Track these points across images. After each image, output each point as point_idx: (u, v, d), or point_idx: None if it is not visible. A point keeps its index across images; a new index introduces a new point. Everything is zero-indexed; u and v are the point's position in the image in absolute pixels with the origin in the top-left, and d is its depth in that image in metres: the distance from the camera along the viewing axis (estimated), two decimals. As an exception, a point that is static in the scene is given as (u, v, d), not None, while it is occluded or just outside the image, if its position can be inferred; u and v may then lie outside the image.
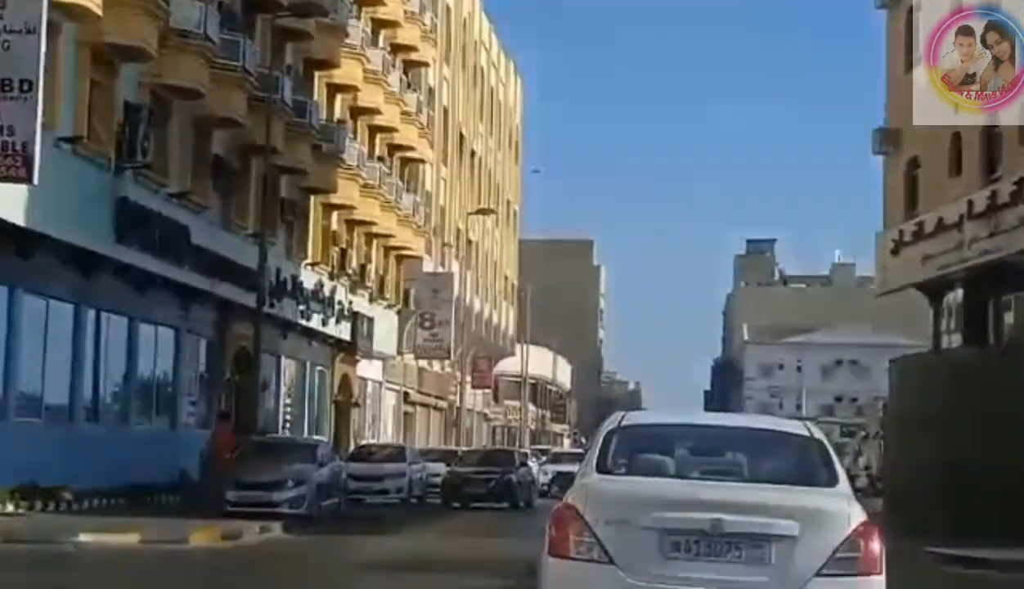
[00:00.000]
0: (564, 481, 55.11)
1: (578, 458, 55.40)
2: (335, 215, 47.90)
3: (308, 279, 44.87)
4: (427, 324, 59.62)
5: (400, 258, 57.39)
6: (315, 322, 45.75)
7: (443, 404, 72.15)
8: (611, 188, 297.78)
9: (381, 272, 54.35)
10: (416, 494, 39.94)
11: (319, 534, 26.01)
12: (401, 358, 62.61)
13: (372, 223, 50.51)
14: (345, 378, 51.73)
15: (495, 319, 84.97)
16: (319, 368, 49.02)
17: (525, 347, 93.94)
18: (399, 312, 58.38)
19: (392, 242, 54.56)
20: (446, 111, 67.25)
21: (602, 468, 9.60)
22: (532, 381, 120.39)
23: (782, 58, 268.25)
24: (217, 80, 33.81)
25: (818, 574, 8.67)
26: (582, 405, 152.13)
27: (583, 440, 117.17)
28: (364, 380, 55.45)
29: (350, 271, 48.73)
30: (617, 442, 9.86)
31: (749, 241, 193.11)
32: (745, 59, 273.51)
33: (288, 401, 45.74)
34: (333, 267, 47.42)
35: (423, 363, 68.66)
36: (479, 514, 34.51)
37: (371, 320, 52.06)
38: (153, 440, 34.01)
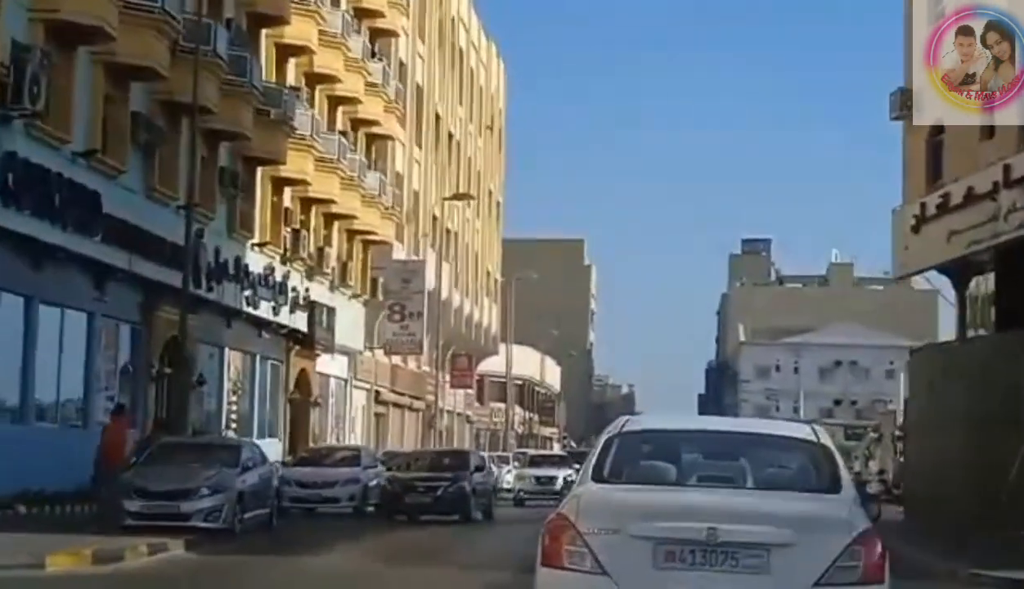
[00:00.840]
0: (544, 487, 50.32)
1: (560, 462, 51.01)
2: (287, 191, 43.10)
3: (255, 261, 40.11)
4: (397, 317, 54.72)
5: (366, 244, 52.55)
6: (264, 310, 41.01)
7: (420, 405, 67.22)
8: (601, 185, 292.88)
9: (343, 258, 49.53)
10: (373, 503, 35.11)
11: (228, 554, 21.40)
12: (372, 354, 57.92)
13: (330, 201, 45.67)
14: (303, 374, 46.95)
15: (476, 316, 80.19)
16: (271, 362, 44.22)
17: (509, 345, 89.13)
18: (366, 303, 53.60)
19: (355, 225, 49.71)
20: (420, 89, 62.46)
21: (598, 476, 9.46)
22: (519, 382, 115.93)
23: (782, 55, 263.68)
24: (129, 21, 29.02)
25: (817, 584, 8.48)
26: (573, 408, 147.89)
27: (573, 444, 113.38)
28: (326, 377, 50.67)
29: (305, 255, 43.91)
30: (616, 448, 9.72)
31: (744, 240, 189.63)
32: (744, 56, 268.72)
33: (234, 398, 40.97)
34: (286, 249, 42.66)
35: (397, 360, 63.91)
36: (425, 529, 29.46)
37: (332, 310, 47.29)
38: (59, 441, 29.16)
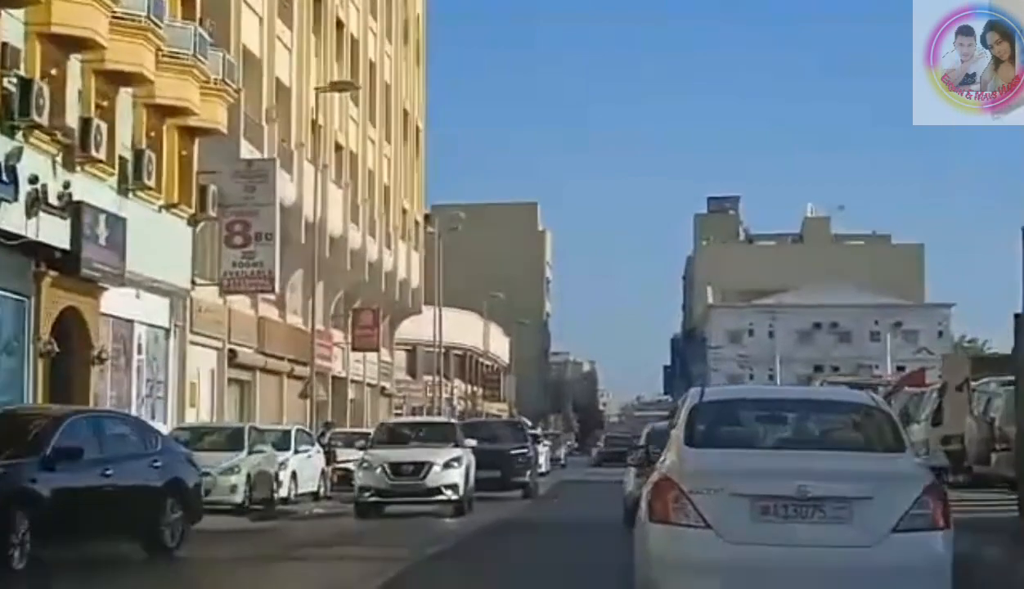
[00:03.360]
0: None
1: (440, 435, 30.47)
2: (6, 17, 27.25)
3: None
4: (238, 239, 38.76)
5: (185, 132, 36.51)
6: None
7: (307, 371, 51.18)
8: (553, 143, 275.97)
9: (139, 143, 33.61)
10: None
11: None
12: (223, 299, 42.43)
13: (91, 44, 29.62)
14: (73, 316, 31.16)
15: (388, 263, 64.46)
16: (3, 294, 28.52)
17: (439, 302, 73.70)
18: (194, 221, 37.85)
19: (158, 97, 33.82)
20: (281, -57, 46.77)
21: (691, 441, 10.76)
22: (459, 352, 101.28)
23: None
24: None
25: (894, 530, 9.87)
26: (526, 384, 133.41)
27: (527, 422, 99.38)
28: (127, 323, 35.00)
29: (47, 123, 27.95)
30: (702, 416, 11.02)
31: (710, 199, 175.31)
32: None
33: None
34: (9, 110, 26.92)
35: (269, 311, 48.41)
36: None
37: (120, 222, 31.68)
38: None
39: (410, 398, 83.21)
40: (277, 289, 40.70)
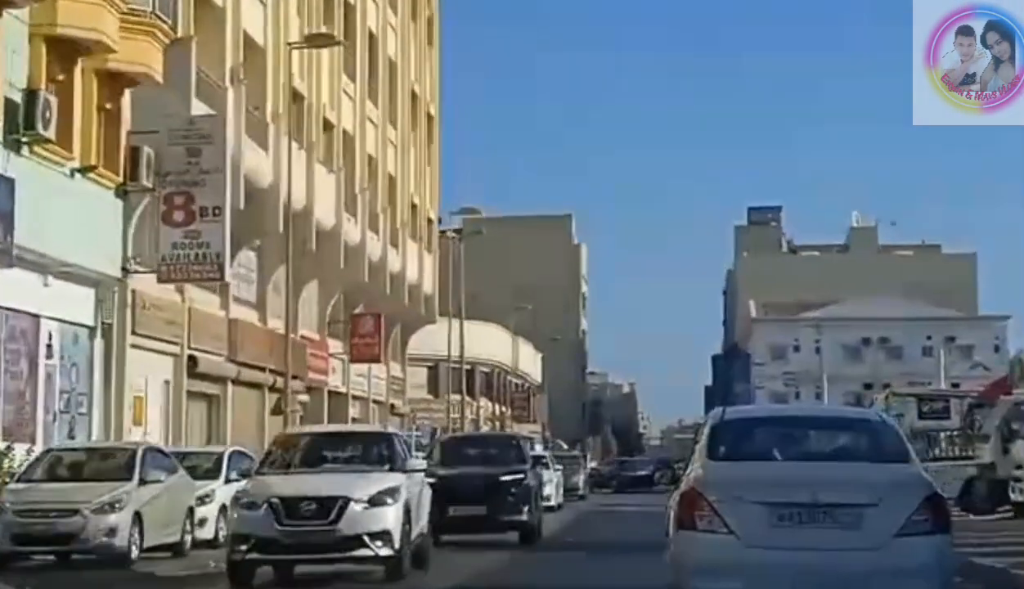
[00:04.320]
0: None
1: (373, 455, 21.63)
2: None
3: None
4: (178, 216, 31.10)
5: (108, 79, 29.05)
6: None
7: (296, 385, 43.37)
8: (587, 157, 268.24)
9: (35, 84, 26.08)
10: None
11: None
12: (182, 295, 35.19)
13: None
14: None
15: (394, 265, 56.90)
16: None
17: (460, 318, 66.27)
18: (123, 192, 30.38)
19: (62, 29, 26.25)
20: None
21: (714, 455, 11.66)
22: (485, 369, 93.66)
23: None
24: None
25: (898, 534, 10.77)
26: (560, 404, 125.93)
27: (563, 445, 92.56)
28: (32, 318, 27.64)
29: None
30: (724, 432, 11.98)
31: (751, 209, 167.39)
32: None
33: None
34: None
35: (245, 313, 41.12)
36: None
37: (7, 183, 24.36)
38: None
39: (431, 418, 75.47)
40: (227, 277, 32.85)
